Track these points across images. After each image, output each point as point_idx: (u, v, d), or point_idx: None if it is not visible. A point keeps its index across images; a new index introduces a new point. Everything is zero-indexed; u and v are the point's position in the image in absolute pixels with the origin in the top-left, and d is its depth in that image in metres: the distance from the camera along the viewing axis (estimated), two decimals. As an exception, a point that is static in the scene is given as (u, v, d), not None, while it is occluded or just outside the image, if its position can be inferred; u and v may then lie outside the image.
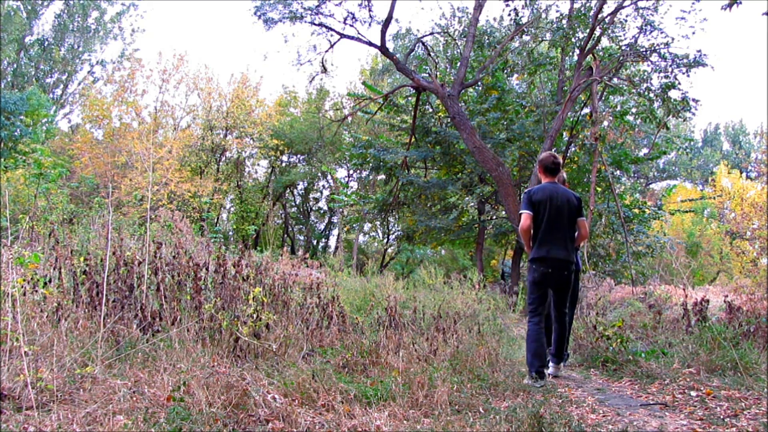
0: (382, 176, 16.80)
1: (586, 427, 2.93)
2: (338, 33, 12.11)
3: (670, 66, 10.44)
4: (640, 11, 10.66)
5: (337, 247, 22.81)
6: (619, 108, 13.48)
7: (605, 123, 11.88)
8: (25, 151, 13.01)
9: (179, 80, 19.08)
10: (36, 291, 3.54)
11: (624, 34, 11.26)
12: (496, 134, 13.68)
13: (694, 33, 10.11)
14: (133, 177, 14.70)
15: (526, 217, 4.35)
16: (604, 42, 11.66)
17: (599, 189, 12.68)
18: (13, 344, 2.79)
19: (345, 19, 11.95)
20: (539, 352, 4.20)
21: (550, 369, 4.56)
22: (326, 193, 24.33)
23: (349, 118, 19.02)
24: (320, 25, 12.12)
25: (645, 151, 17.82)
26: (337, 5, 12.06)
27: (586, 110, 12.53)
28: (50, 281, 3.79)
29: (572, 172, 14.80)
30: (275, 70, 47.38)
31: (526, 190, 4.56)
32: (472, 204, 16.30)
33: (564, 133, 13.28)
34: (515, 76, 15.01)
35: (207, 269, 4.41)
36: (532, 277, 4.38)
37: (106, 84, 19.86)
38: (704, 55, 10.19)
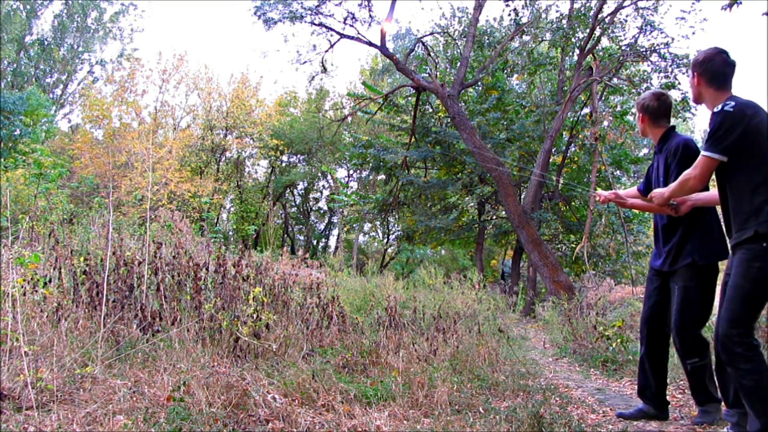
0: (382, 176, 16.80)
1: (586, 427, 2.93)
2: (338, 33, 12.12)
3: (670, 66, 10.45)
4: (640, 11, 10.67)
5: (337, 247, 22.81)
6: (619, 108, 13.49)
7: (605, 123, 11.89)
8: (25, 151, 13.01)
9: (179, 80, 19.10)
10: (36, 291, 3.54)
11: (624, 34, 11.28)
12: (496, 134, 13.69)
13: (694, 33, 10.15)
14: (133, 177, 14.69)
15: None
16: (604, 42, 11.67)
17: (599, 189, 12.70)
18: (13, 344, 2.79)
19: (345, 19, 11.97)
20: None
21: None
22: (326, 193, 24.34)
23: (349, 118, 19.02)
24: (320, 25, 12.13)
25: (645, 151, 17.82)
26: (337, 5, 12.07)
27: (586, 110, 12.53)
28: (50, 281, 3.79)
29: (572, 172, 14.79)
30: (275, 70, 47.42)
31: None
32: (472, 204, 16.30)
33: (564, 133, 13.28)
34: (515, 76, 15.02)
35: (207, 269, 4.41)
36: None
37: (106, 84, 19.87)
38: (704, 55, 10.18)
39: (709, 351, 2.99)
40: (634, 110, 12.96)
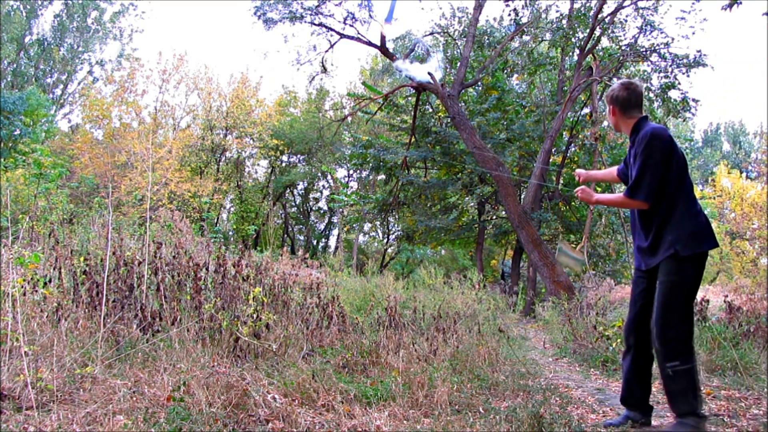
0: (382, 176, 16.80)
1: (586, 427, 2.92)
2: (338, 33, 12.13)
3: (670, 66, 10.46)
4: (640, 11, 10.68)
5: (337, 247, 22.81)
6: (619, 108, 13.48)
7: (605, 123, 11.91)
8: (25, 151, 13.01)
9: (179, 80, 19.09)
10: (36, 291, 3.54)
11: (624, 34, 11.29)
12: (496, 134, 13.69)
13: (694, 33, 10.16)
14: (133, 177, 14.68)
15: None
16: (604, 42, 11.68)
17: (599, 189, 12.69)
18: (13, 344, 2.79)
19: (345, 19, 11.99)
20: None
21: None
22: (326, 193, 24.35)
23: (349, 118, 19.03)
24: (320, 25, 12.15)
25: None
26: (337, 5, 12.08)
27: (586, 110, 12.53)
28: (50, 281, 3.79)
29: (572, 172, 14.79)
30: (275, 70, 47.46)
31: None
32: (472, 204, 16.30)
33: (564, 133, 13.28)
34: (515, 76, 15.02)
35: (207, 269, 4.41)
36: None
37: (106, 84, 19.87)
38: (704, 55, 10.21)
39: (695, 355, 2.68)
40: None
